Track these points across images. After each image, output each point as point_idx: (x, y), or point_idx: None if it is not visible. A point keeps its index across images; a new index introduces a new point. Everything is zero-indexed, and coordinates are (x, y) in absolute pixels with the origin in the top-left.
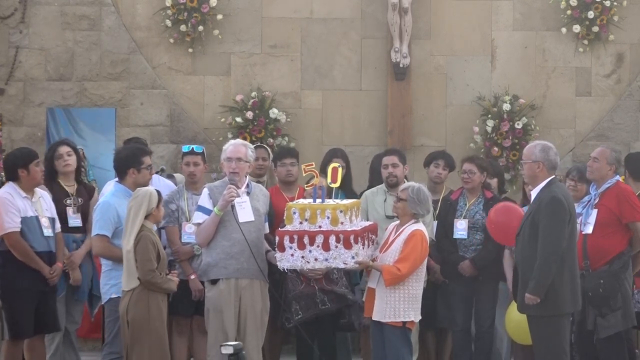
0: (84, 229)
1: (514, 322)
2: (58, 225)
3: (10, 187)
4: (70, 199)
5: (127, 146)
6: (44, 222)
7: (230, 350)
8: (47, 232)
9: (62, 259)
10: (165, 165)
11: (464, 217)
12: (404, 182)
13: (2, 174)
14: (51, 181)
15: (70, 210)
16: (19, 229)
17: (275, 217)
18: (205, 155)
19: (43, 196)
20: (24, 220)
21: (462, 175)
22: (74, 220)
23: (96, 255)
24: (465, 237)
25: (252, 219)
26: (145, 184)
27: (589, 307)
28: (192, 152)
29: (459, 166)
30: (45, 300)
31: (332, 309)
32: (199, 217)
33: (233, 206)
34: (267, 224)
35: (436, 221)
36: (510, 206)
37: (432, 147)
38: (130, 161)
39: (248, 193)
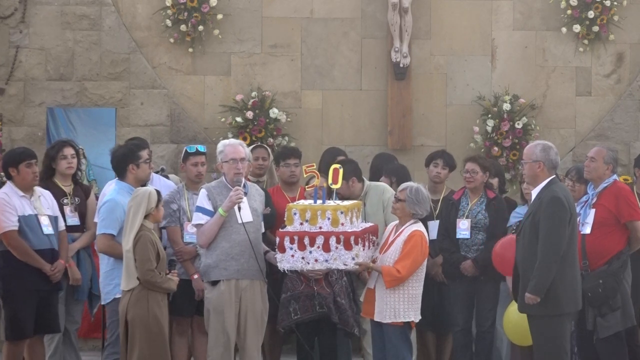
0: (82, 228)
1: (512, 323)
2: (62, 223)
3: (8, 187)
4: (68, 198)
5: (122, 144)
6: (44, 220)
7: None
8: (48, 230)
9: (66, 257)
10: (165, 165)
11: (467, 217)
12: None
13: (2, 173)
14: (47, 180)
15: (67, 210)
16: (16, 228)
17: (277, 217)
18: (206, 155)
19: (44, 195)
20: (23, 218)
21: (465, 174)
22: (72, 219)
23: (100, 251)
24: (468, 236)
25: (251, 219)
26: (147, 178)
27: (588, 307)
28: (197, 153)
29: (461, 166)
30: (46, 301)
31: (327, 313)
32: (198, 218)
33: (240, 208)
34: (262, 222)
35: (437, 220)
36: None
37: (432, 147)
38: (127, 157)
39: (245, 193)
